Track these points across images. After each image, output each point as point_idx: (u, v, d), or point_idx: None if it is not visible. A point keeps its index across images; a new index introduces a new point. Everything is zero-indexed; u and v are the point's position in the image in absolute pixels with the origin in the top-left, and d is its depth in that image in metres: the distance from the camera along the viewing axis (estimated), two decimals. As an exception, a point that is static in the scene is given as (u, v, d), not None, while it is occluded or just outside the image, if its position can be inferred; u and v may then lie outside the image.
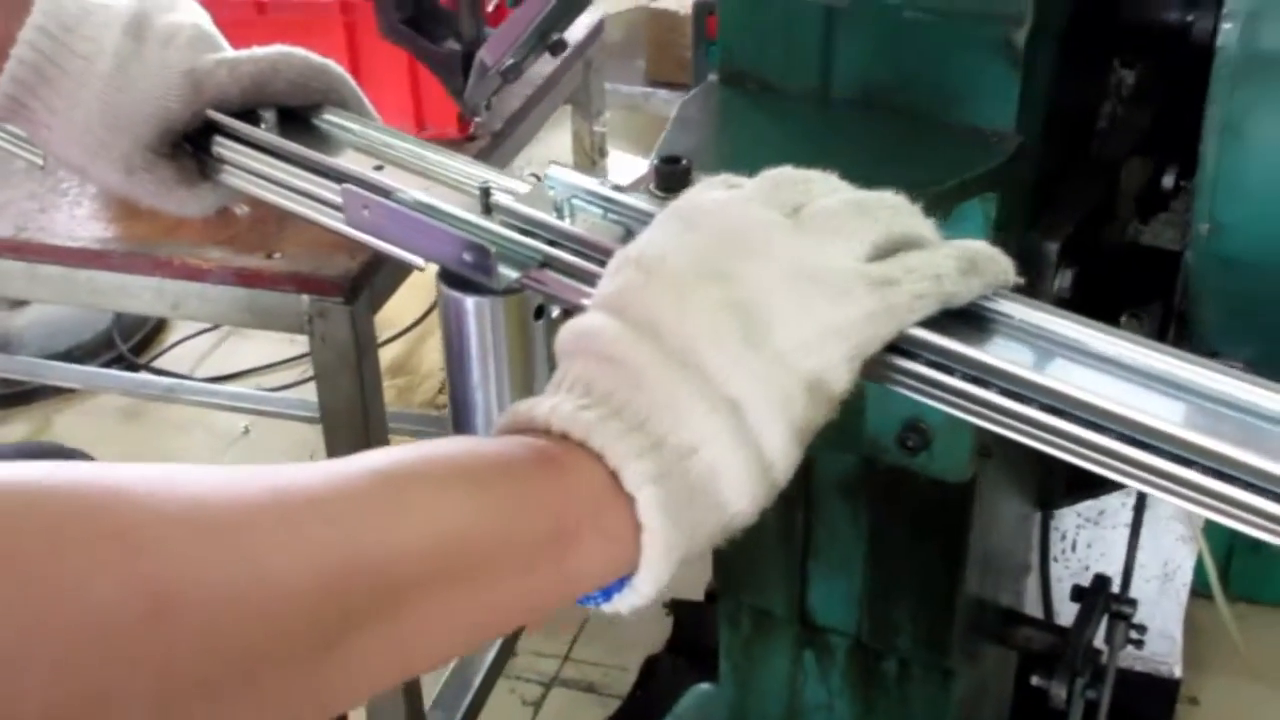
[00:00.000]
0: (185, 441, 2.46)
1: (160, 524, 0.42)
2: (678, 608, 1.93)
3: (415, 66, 1.40)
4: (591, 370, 0.53)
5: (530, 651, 1.98)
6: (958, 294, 0.55)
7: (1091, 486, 1.40)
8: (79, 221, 1.31)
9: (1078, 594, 1.43)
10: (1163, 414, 0.51)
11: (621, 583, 0.53)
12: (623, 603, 0.53)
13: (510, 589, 0.49)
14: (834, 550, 1.24)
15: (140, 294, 1.28)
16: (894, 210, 0.57)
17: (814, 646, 1.33)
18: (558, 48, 0.95)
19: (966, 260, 0.56)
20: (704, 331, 0.52)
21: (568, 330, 0.55)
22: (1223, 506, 0.49)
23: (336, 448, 1.28)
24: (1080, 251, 1.00)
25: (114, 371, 2.52)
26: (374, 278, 1.24)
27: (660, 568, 0.52)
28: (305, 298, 1.21)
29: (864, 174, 0.60)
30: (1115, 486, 1.02)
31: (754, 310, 0.52)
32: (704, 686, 1.66)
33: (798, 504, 1.23)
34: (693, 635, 1.91)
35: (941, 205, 0.83)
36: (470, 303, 0.68)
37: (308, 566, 0.44)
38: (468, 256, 0.66)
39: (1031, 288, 0.61)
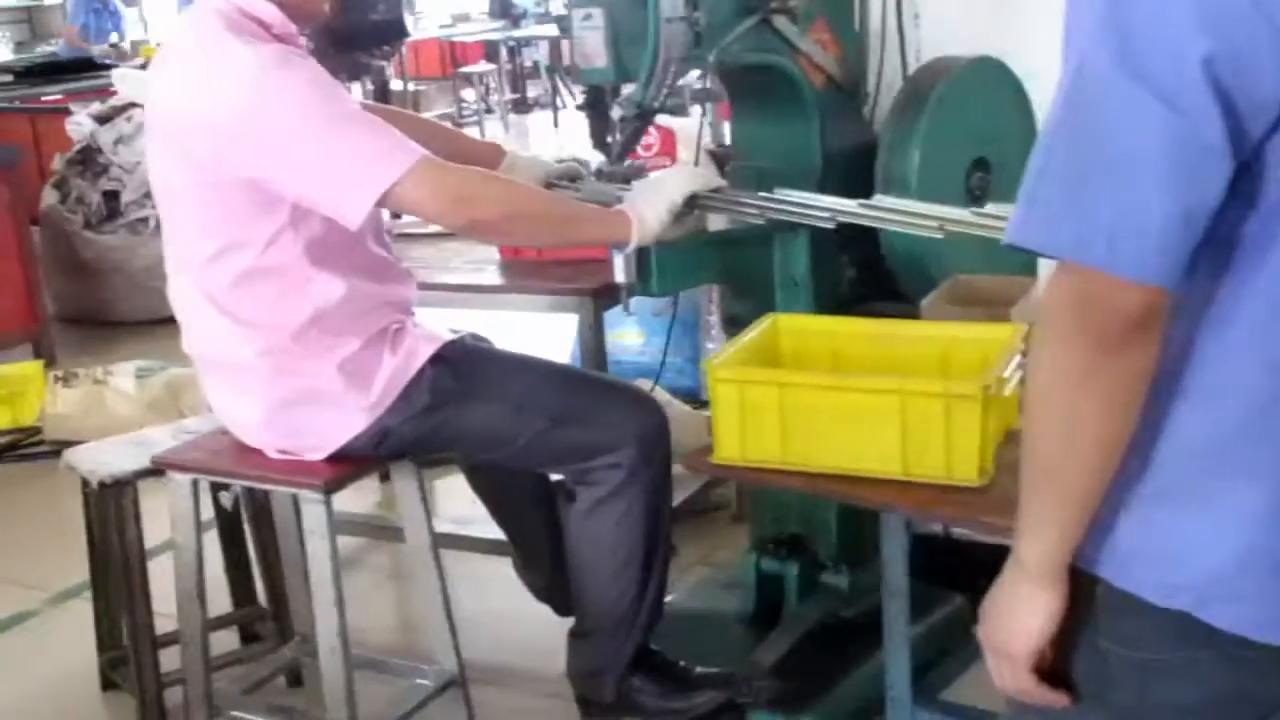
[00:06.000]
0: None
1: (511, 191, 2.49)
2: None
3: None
4: (629, 205, 2.44)
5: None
6: (713, 183, 2.56)
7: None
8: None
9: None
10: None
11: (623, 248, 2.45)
12: (625, 250, 2.44)
13: (600, 228, 2.47)
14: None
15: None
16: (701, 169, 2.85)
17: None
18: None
19: (716, 176, 2.69)
20: (647, 191, 2.46)
21: (625, 201, 2.48)
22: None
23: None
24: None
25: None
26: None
27: (636, 241, 2.41)
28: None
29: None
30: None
31: (659, 184, 2.47)
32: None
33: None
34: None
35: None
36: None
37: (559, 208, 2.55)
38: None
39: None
